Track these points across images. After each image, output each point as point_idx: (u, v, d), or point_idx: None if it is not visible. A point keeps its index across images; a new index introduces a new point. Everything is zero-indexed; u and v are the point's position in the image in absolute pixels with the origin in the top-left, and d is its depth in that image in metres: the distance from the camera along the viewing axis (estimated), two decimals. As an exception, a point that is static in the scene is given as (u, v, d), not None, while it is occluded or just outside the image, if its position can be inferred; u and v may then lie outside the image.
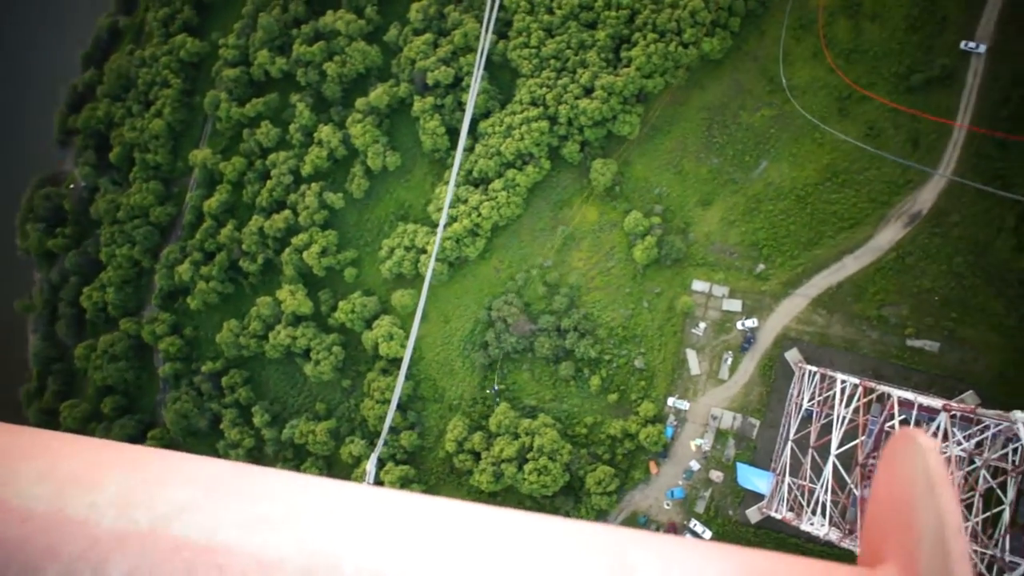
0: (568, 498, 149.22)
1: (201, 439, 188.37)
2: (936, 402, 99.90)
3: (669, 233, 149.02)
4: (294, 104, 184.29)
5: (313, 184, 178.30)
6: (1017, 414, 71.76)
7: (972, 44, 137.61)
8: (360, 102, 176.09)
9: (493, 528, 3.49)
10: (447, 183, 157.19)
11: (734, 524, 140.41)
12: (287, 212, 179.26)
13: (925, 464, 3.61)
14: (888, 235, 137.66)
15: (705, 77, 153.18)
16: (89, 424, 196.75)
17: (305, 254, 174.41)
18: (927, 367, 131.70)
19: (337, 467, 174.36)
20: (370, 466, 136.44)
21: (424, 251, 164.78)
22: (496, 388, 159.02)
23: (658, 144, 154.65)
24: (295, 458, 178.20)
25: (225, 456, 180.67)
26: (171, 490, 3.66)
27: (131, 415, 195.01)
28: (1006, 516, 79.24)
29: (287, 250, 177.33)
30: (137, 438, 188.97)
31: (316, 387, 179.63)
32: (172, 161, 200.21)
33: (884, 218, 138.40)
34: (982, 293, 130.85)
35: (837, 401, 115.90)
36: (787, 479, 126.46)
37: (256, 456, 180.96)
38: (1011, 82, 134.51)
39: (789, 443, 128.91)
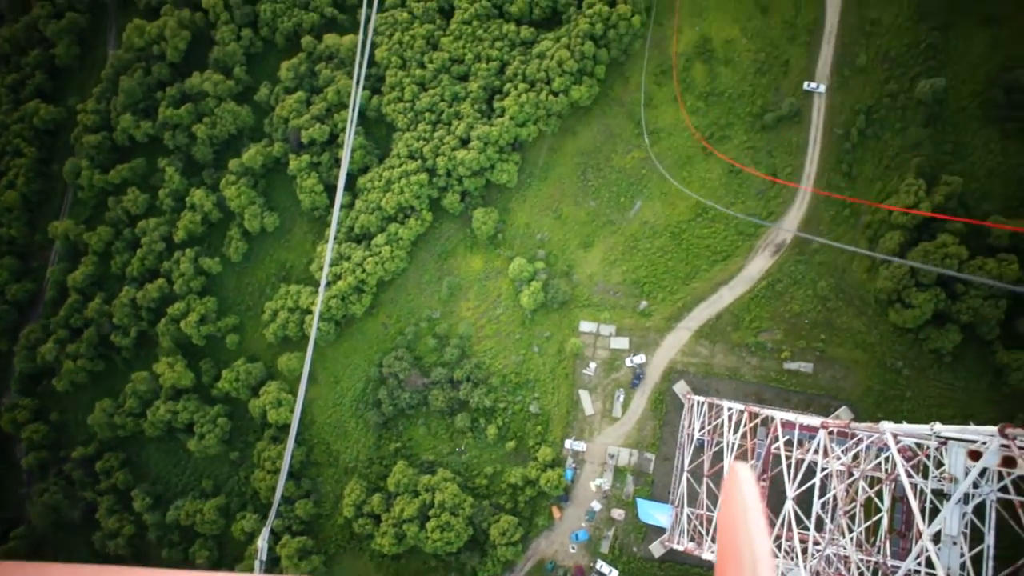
0: (474, 553, 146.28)
1: (74, 533, 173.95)
2: (815, 420, 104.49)
3: (553, 277, 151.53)
4: (162, 168, 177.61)
5: (187, 250, 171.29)
6: (885, 425, 75.77)
7: (813, 84, 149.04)
8: (233, 163, 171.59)
9: None
10: (328, 241, 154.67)
11: (639, 561, 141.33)
12: (161, 281, 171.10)
13: (743, 496, 4.05)
14: (758, 265, 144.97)
15: (576, 124, 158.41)
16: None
17: (183, 323, 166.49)
18: (803, 388, 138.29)
19: (229, 546, 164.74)
20: (262, 542, 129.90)
21: (309, 311, 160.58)
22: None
23: (537, 190, 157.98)
24: (182, 541, 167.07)
25: (103, 549, 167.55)
26: None
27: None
28: (884, 523, 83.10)
29: (163, 321, 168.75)
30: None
31: (201, 463, 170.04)
32: (29, 234, 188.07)
33: (753, 249, 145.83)
34: (845, 314, 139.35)
35: (726, 428, 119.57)
36: (686, 510, 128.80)
37: (138, 544, 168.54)
38: (851, 116, 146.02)
39: (685, 474, 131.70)
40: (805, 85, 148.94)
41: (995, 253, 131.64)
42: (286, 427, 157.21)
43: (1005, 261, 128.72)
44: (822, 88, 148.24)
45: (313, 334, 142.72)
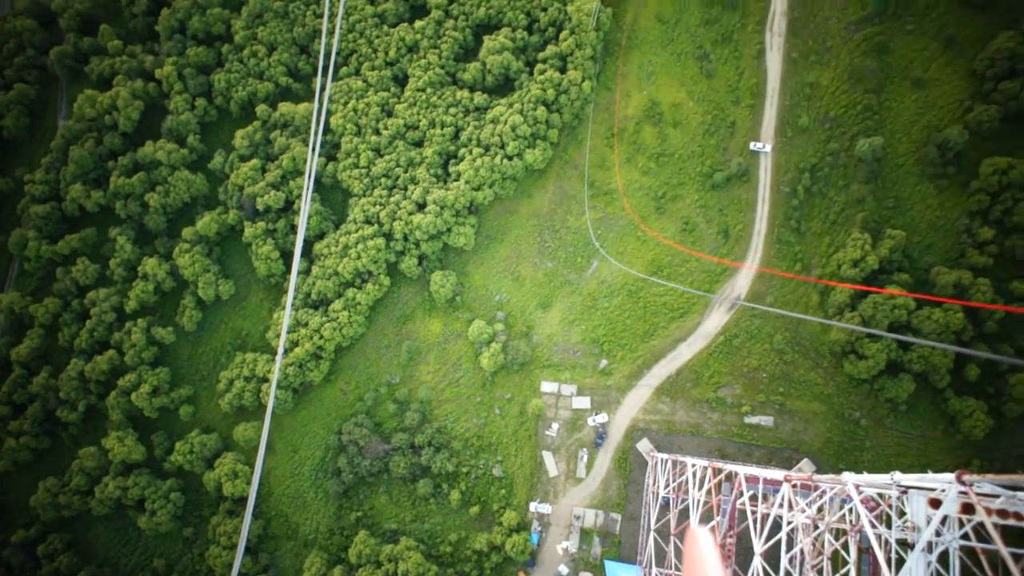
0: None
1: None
2: (778, 474, 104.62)
3: (513, 338, 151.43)
4: (114, 238, 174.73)
5: (139, 320, 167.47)
6: (847, 476, 76.08)
7: (760, 144, 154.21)
8: (187, 231, 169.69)
9: None
10: (285, 307, 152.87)
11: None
12: (111, 352, 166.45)
13: (704, 561, 4.44)
14: (715, 320, 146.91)
15: (532, 186, 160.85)
16: None
17: (134, 395, 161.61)
18: (765, 441, 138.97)
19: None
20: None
21: (265, 380, 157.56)
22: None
23: (494, 252, 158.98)
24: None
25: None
26: None
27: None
28: (852, 574, 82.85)
29: (113, 393, 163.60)
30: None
31: (153, 541, 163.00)
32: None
33: (709, 305, 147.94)
34: (801, 366, 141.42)
35: (690, 485, 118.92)
36: (654, 570, 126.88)
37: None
38: (796, 174, 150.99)
39: (651, 533, 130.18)
40: (752, 145, 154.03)
41: (940, 303, 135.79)
42: (243, 500, 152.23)
43: (950, 311, 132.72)
44: (768, 148, 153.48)
45: (270, 403, 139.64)
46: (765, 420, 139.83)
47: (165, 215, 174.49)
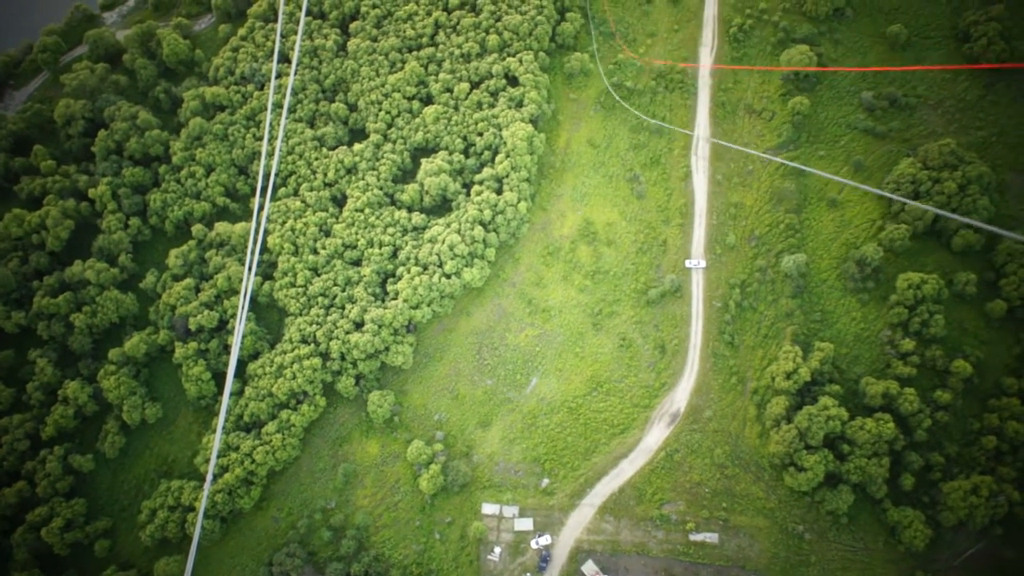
0: None
1: None
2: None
3: (453, 458, 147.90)
4: (33, 360, 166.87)
5: (56, 447, 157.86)
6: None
7: (694, 261, 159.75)
8: (114, 353, 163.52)
9: None
10: (215, 431, 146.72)
11: None
12: (21, 484, 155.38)
13: None
14: (655, 435, 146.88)
15: (470, 304, 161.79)
16: None
17: (44, 531, 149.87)
18: (711, 559, 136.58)
19: None
20: None
21: (192, 508, 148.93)
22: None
23: (432, 371, 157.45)
24: None
25: None
26: None
27: None
28: None
29: (20, 529, 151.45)
30: None
31: None
32: None
33: (649, 420, 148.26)
34: (743, 480, 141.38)
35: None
36: None
37: None
38: (727, 290, 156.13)
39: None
40: (687, 263, 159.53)
41: (872, 413, 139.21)
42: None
43: (882, 420, 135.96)
44: (702, 264, 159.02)
45: (196, 533, 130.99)
46: (710, 537, 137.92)
47: (91, 336, 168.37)
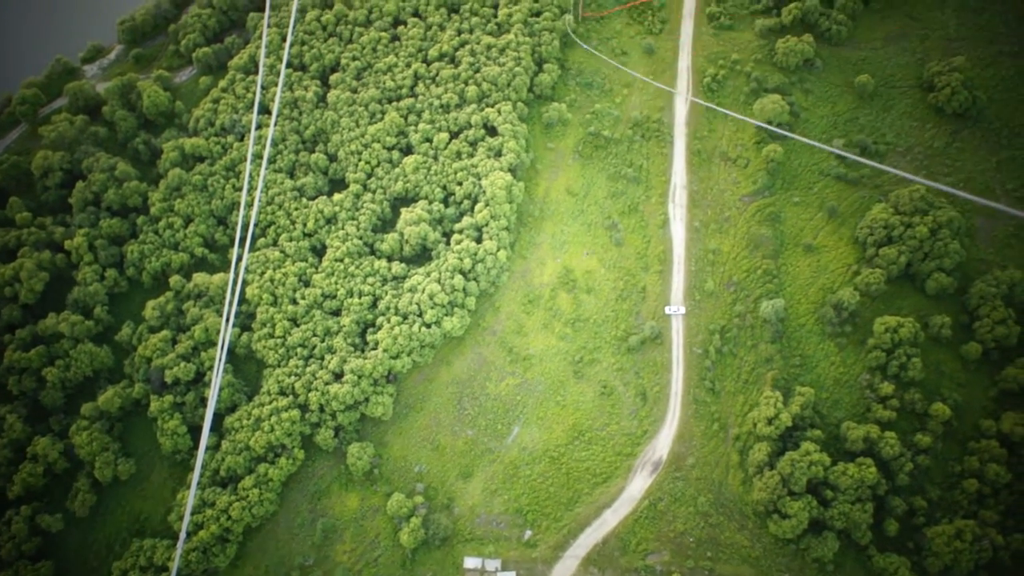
0: None
1: None
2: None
3: (434, 511, 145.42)
4: (2, 416, 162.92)
5: (23, 507, 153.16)
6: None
7: (674, 308, 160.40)
8: (87, 407, 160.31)
9: None
10: (191, 486, 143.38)
11: None
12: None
13: None
14: (638, 484, 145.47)
15: (450, 353, 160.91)
16: None
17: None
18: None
19: None
20: None
21: (165, 568, 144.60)
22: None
23: (413, 422, 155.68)
24: None
25: None
26: None
27: None
28: None
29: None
30: None
31: None
32: None
33: (632, 469, 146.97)
34: (727, 528, 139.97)
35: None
36: None
37: None
38: (707, 336, 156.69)
39: None
40: (666, 309, 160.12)
41: (854, 458, 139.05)
42: None
43: (864, 465, 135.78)
44: (682, 311, 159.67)
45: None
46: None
47: (63, 390, 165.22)
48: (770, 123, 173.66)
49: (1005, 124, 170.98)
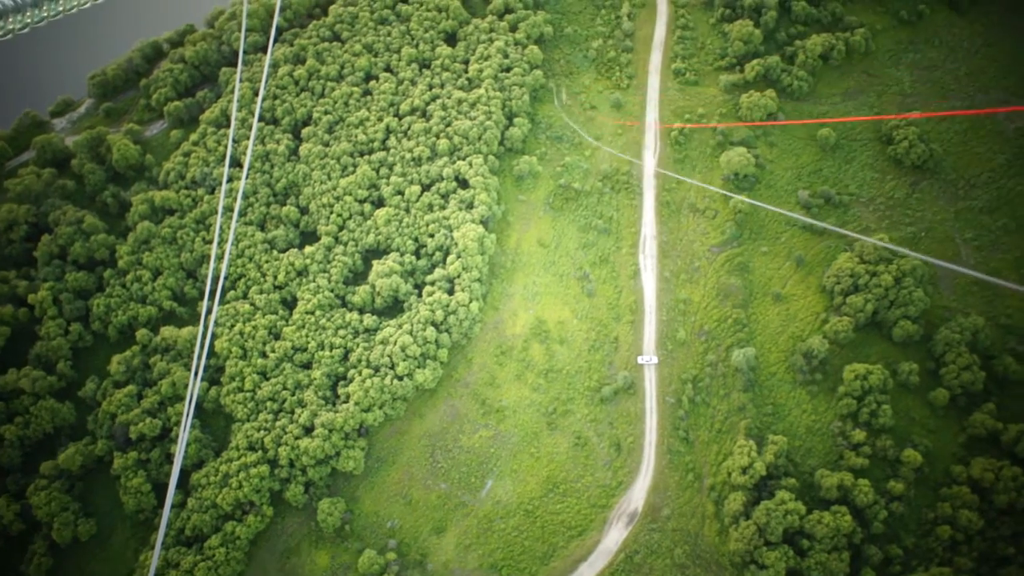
0: None
1: None
2: None
3: (406, 568, 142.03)
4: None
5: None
6: None
7: (647, 358, 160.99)
8: (46, 466, 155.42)
9: None
10: (155, 546, 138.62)
11: None
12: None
13: None
14: (614, 536, 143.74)
15: (423, 406, 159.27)
16: None
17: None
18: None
19: None
20: None
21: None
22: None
23: (384, 476, 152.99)
24: None
25: None
26: None
27: None
28: None
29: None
30: None
31: None
32: None
33: (607, 521, 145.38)
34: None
35: None
36: None
37: None
38: (680, 385, 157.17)
39: None
40: (639, 359, 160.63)
41: (828, 506, 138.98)
42: None
43: (839, 513, 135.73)
44: (655, 360, 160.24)
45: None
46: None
47: (22, 448, 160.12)
48: (736, 175, 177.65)
49: (961, 175, 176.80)
